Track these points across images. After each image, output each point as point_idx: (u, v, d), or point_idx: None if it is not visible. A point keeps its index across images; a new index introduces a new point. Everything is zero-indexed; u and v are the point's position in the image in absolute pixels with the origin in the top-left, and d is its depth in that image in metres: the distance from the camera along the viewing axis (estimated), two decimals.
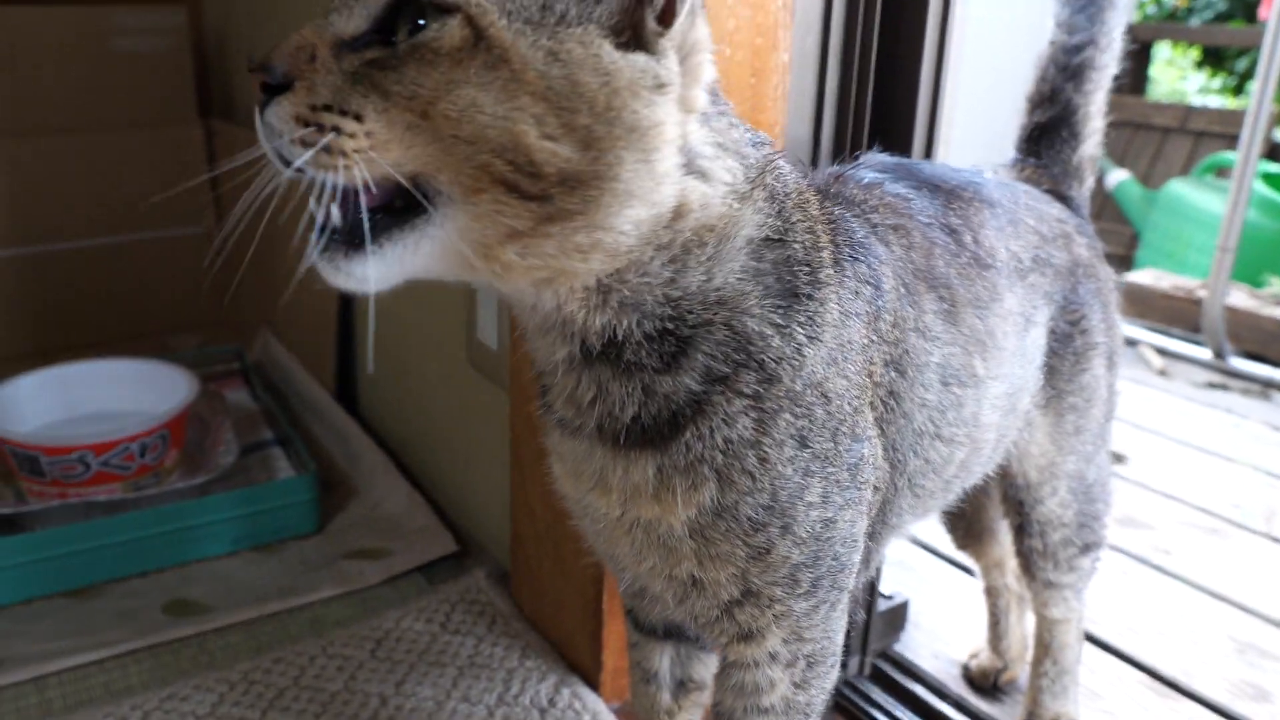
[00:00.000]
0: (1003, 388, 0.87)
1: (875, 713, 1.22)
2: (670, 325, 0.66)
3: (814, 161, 1.07)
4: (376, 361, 1.77)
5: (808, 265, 0.69)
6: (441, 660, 1.20)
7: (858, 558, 0.77)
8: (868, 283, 0.73)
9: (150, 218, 2.05)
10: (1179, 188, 3.42)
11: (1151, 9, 5.52)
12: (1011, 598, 1.29)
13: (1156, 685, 1.38)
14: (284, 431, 1.62)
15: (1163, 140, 3.97)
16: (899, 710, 1.23)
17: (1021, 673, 1.30)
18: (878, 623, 1.32)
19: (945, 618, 1.43)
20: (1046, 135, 1.08)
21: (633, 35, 0.60)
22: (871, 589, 1.27)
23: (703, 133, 0.65)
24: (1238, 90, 5.22)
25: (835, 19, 1.03)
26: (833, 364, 0.69)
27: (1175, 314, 2.89)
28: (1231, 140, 2.85)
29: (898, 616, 1.39)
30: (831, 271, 0.71)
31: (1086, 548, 1.09)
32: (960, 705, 1.26)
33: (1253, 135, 2.46)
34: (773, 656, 0.77)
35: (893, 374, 0.75)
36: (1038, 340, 0.94)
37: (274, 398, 1.77)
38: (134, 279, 2.08)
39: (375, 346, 1.75)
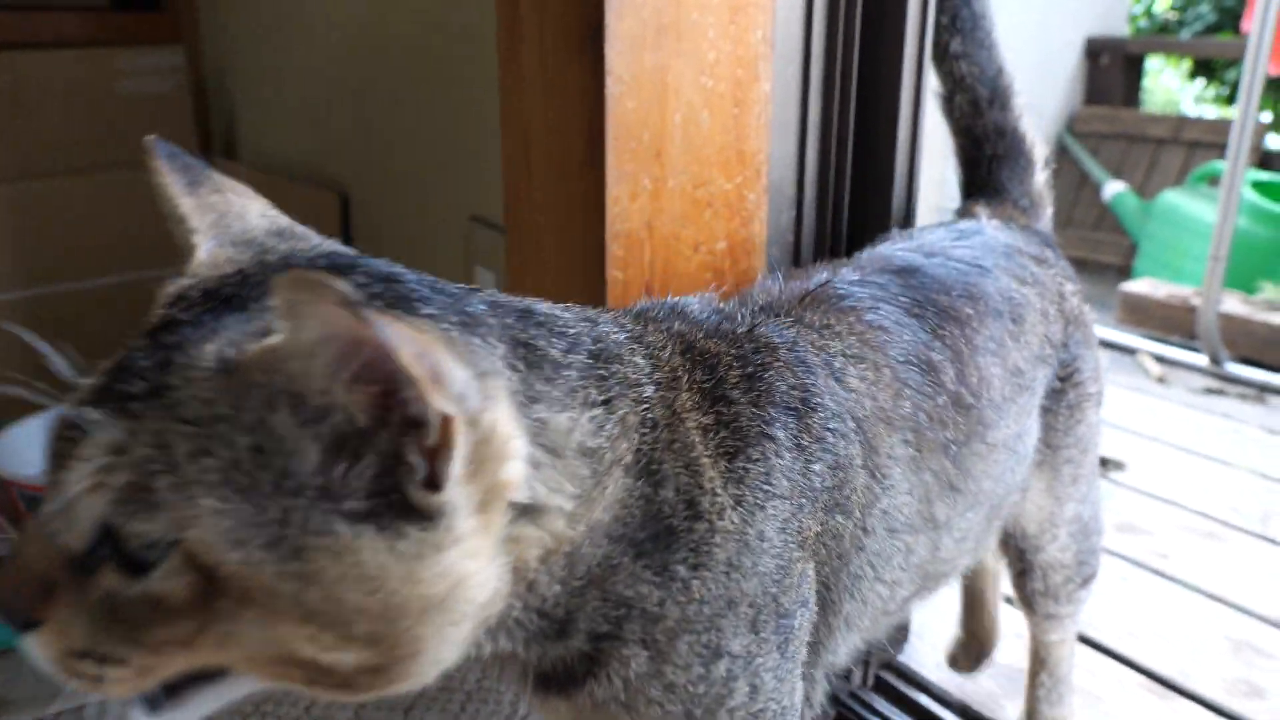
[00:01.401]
0: (980, 514, 0.85)
1: None
2: (543, 619, 0.61)
3: (799, 183, 1.10)
4: None
5: (685, 499, 0.63)
6: (449, 686, 1.23)
7: (796, 714, 0.73)
8: (794, 441, 0.68)
9: (156, 256, 2.08)
10: (1173, 197, 3.45)
11: (1143, 23, 5.58)
12: (988, 576, 1.31)
13: (1155, 686, 1.41)
14: None
15: (1157, 151, 4.00)
16: (902, 719, 1.25)
17: (998, 649, 1.35)
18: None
19: (946, 627, 1.46)
20: (1004, 166, 1.08)
21: (399, 509, 0.50)
22: None
23: (532, 488, 0.56)
24: (1230, 100, 5.26)
25: (815, 49, 1.07)
26: (735, 569, 0.64)
27: (1172, 322, 2.91)
28: (1224, 150, 2.90)
29: (900, 629, 1.41)
30: (723, 485, 0.64)
31: (1085, 581, 1.12)
32: (964, 712, 1.28)
33: (1239, 145, 2.50)
34: None
35: (837, 518, 0.71)
36: (1034, 427, 0.92)
37: None
38: (142, 318, 2.11)
39: None
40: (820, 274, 0.83)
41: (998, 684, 1.34)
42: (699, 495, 0.63)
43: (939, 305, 0.81)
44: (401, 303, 0.54)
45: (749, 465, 0.65)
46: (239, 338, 0.50)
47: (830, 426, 0.70)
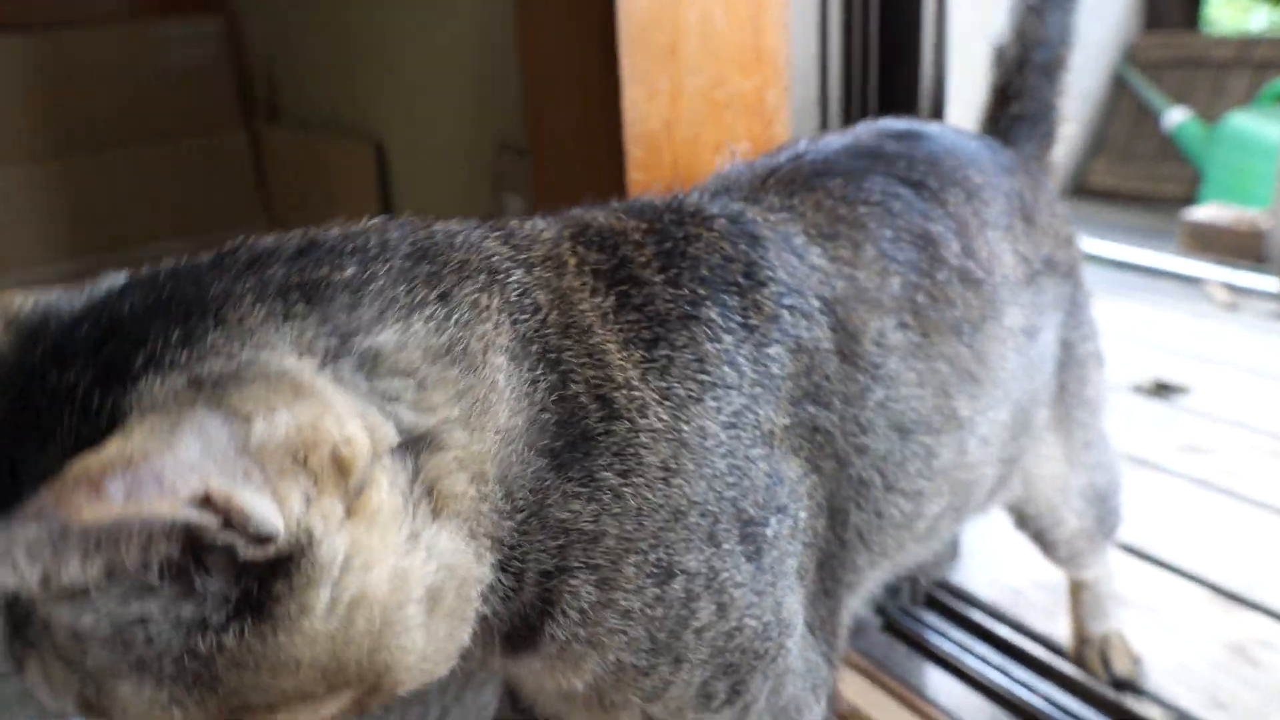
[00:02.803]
0: (1003, 415, 0.78)
1: (931, 635, 1.23)
2: (504, 573, 0.54)
3: (823, 85, 1.08)
4: None
5: (596, 395, 0.55)
6: None
7: (794, 634, 0.65)
8: (740, 321, 0.60)
9: (204, 223, 2.13)
10: (1240, 120, 3.32)
11: None
12: None
13: (1218, 599, 1.37)
14: None
15: (1221, 75, 3.85)
16: (956, 632, 1.24)
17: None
18: None
19: (999, 545, 1.43)
20: (1025, 129, 0.99)
21: (261, 584, 0.44)
22: None
23: (399, 421, 0.49)
24: None
25: None
26: (674, 473, 0.56)
27: (1239, 247, 2.81)
28: None
29: (950, 546, 1.39)
30: (640, 377, 0.56)
31: (1109, 533, 1.10)
32: (1018, 627, 1.26)
33: None
34: None
35: (809, 409, 0.63)
36: (1048, 347, 0.85)
37: None
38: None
39: None
40: (798, 145, 0.75)
41: (1051, 598, 1.31)
42: (612, 390, 0.55)
43: (943, 169, 0.75)
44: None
45: (673, 354, 0.57)
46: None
47: (786, 303, 0.62)
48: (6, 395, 0.46)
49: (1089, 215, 3.66)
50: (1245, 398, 2.03)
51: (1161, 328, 2.47)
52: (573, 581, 0.55)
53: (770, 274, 0.62)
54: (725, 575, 0.59)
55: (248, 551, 0.42)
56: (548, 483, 0.53)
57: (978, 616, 1.26)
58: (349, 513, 0.45)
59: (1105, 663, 1.18)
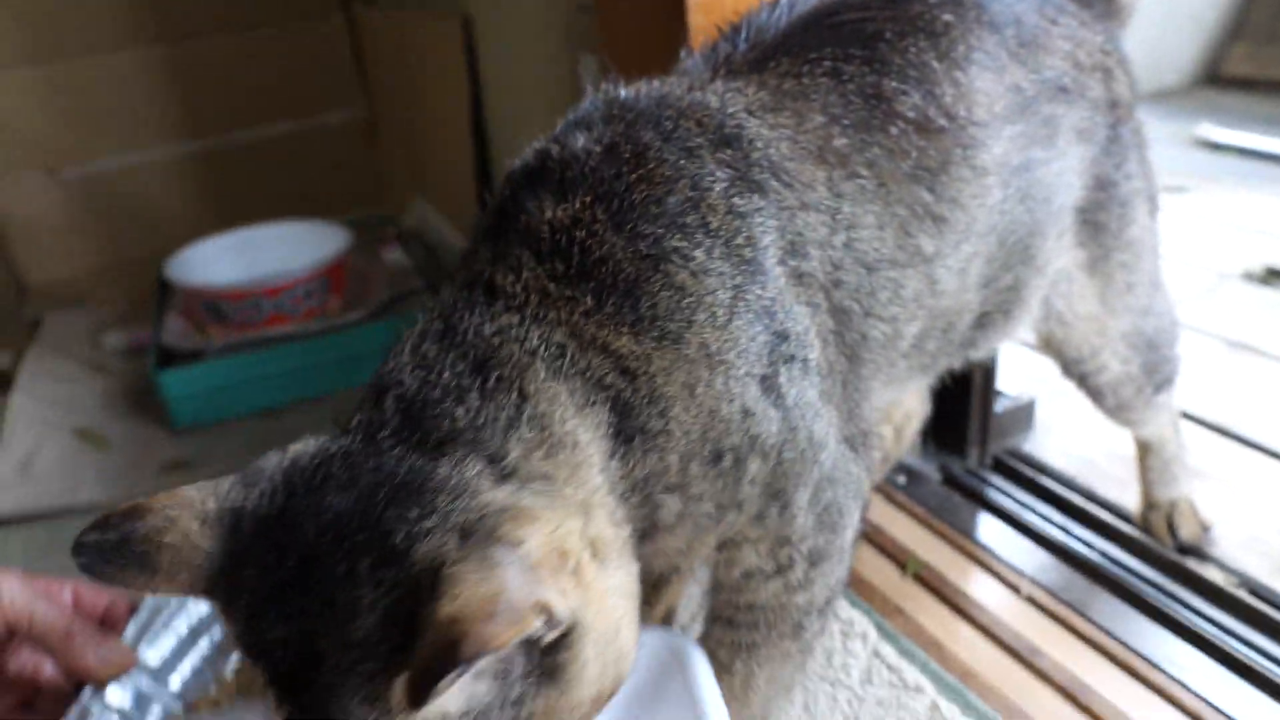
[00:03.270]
0: (981, 247, 0.79)
1: (992, 492, 1.25)
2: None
3: None
4: None
5: (621, 373, 0.62)
6: None
7: (827, 451, 0.72)
8: (702, 228, 0.64)
9: (305, 106, 2.21)
10: None
11: None
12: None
13: None
14: (433, 278, 1.75)
15: None
16: (1019, 493, 1.25)
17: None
18: (998, 420, 1.33)
19: (1074, 419, 1.42)
20: None
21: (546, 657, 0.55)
22: (987, 384, 1.29)
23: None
24: None
25: None
26: (694, 387, 0.64)
27: None
28: None
29: (1023, 415, 1.39)
30: (631, 340, 0.62)
31: (1160, 386, 1.07)
32: (1086, 493, 1.26)
33: None
34: (756, 571, 0.75)
35: (792, 262, 0.69)
36: (1055, 178, 0.83)
37: (427, 254, 1.91)
38: (296, 164, 2.26)
39: None
40: (759, 17, 0.76)
41: (1125, 470, 1.31)
42: (626, 363, 0.62)
43: (906, 17, 0.75)
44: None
45: (655, 301, 0.62)
46: (354, 671, 0.52)
47: (734, 194, 0.66)
48: (266, 586, 0.54)
49: (1224, 105, 3.46)
50: None
51: None
52: (663, 498, 0.65)
53: (712, 178, 0.66)
54: (760, 432, 0.66)
55: (547, 637, 0.52)
56: (630, 461, 0.62)
57: (1045, 481, 1.27)
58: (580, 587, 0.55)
59: (1172, 528, 1.18)
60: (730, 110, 0.69)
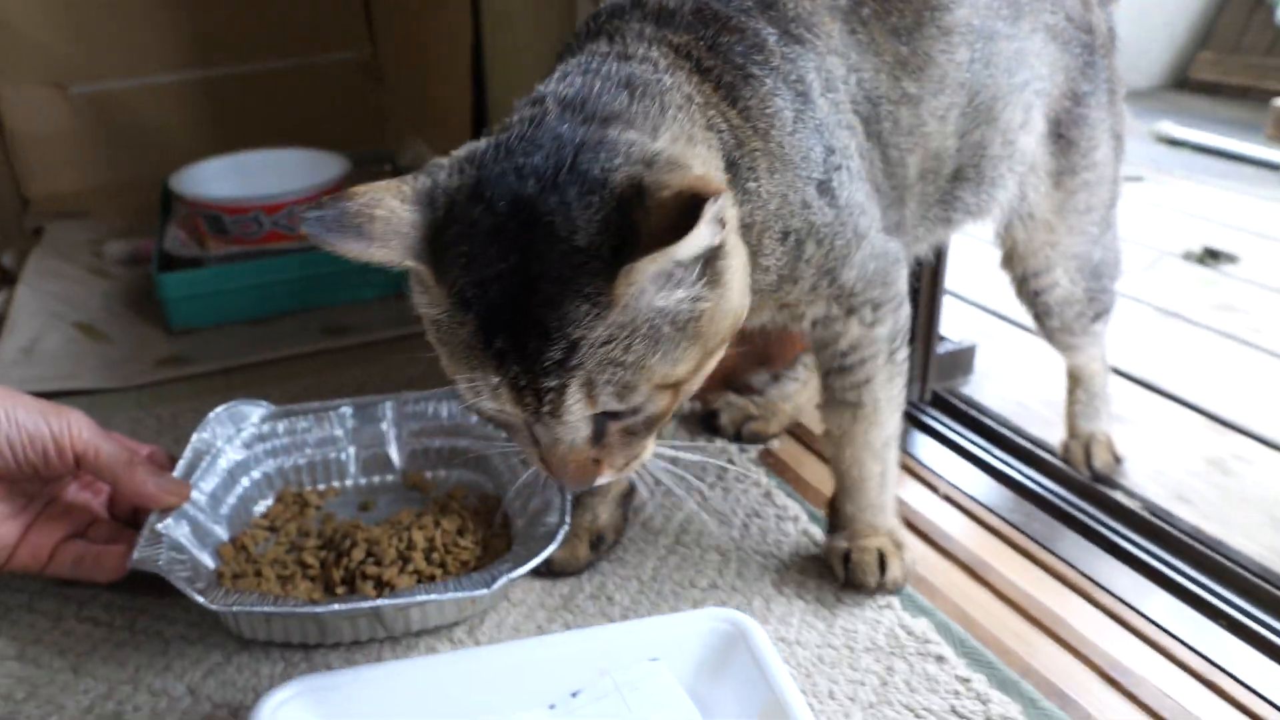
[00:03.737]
0: (955, 98, 0.93)
1: (934, 423, 1.36)
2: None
3: None
4: None
5: (733, 136, 0.78)
6: None
7: (869, 236, 0.88)
8: (764, 69, 0.81)
9: (313, 44, 2.29)
10: None
11: None
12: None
13: (1211, 424, 1.47)
14: None
15: None
16: (958, 425, 1.36)
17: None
18: (940, 360, 1.45)
19: (1010, 368, 1.55)
20: None
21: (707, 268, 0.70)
22: (930, 325, 1.40)
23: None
24: None
25: None
26: (775, 171, 0.80)
27: None
28: None
29: (963, 359, 1.51)
30: (738, 118, 0.79)
31: (1097, 315, 1.21)
32: (1018, 430, 1.38)
33: None
34: (827, 319, 0.92)
35: (829, 95, 0.85)
36: (1018, 55, 0.96)
37: None
38: (299, 100, 2.33)
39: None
40: None
41: (1053, 413, 1.43)
42: (734, 131, 0.78)
43: None
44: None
45: (748, 104, 0.79)
46: (580, 273, 0.64)
47: (783, 45, 0.82)
48: (478, 233, 0.66)
49: (1188, 107, 3.61)
50: None
51: (1227, 207, 2.49)
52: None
53: (766, 33, 0.82)
54: (816, 221, 0.83)
55: (714, 241, 0.66)
56: (735, 194, 0.78)
57: (979, 416, 1.38)
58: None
59: (1088, 457, 1.30)
60: None
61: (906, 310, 0.95)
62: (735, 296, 0.71)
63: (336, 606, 0.88)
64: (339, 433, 1.14)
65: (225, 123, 2.25)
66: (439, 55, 2.06)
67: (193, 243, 1.69)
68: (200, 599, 0.85)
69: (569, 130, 0.69)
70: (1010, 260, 1.15)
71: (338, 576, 0.96)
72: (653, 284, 0.64)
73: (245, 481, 1.08)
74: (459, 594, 0.89)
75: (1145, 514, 1.18)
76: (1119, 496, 1.23)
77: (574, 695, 0.82)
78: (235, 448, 1.08)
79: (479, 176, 0.67)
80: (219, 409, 1.09)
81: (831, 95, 0.84)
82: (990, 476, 1.25)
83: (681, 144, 0.72)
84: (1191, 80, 3.88)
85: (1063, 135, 1.03)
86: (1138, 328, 1.80)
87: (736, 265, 0.71)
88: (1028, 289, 1.17)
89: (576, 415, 0.67)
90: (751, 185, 0.78)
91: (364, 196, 0.67)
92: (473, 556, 1.00)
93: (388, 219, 0.66)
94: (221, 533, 1.01)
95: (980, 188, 1.01)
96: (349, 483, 1.15)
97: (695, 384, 0.72)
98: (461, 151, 0.71)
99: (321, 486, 1.14)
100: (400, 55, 2.32)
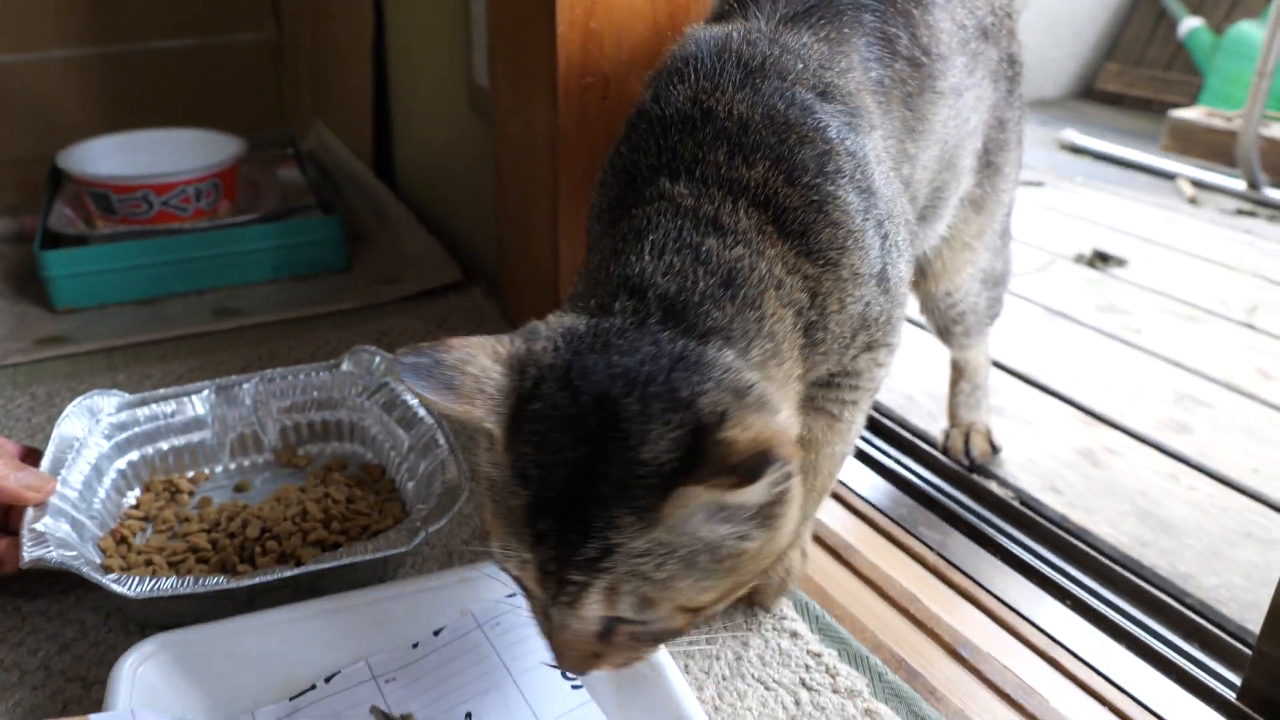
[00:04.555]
0: (935, 151, 0.97)
1: None
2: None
3: None
4: (400, 127, 1.97)
5: (810, 295, 0.78)
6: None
7: (904, 263, 0.89)
8: (842, 179, 0.79)
9: (216, 24, 2.26)
10: (1244, 28, 3.36)
11: None
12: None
13: (1085, 418, 1.53)
14: (326, 197, 1.83)
15: None
16: None
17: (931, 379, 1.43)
18: None
19: (899, 364, 1.58)
20: None
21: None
22: None
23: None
24: None
25: None
26: (855, 299, 0.81)
27: (1216, 149, 2.89)
28: None
29: None
30: (809, 265, 0.78)
31: (993, 319, 1.27)
32: (902, 423, 1.42)
33: None
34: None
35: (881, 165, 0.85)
36: (973, 104, 1.00)
37: (321, 176, 1.98)
38: (200, 80, 2.29)
39: (400, 112, 1.95)
40: None
41: (936, 406, 1.47)
42: (809, 282, 0.77)
43: None
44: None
45: (819, 237, 0.78)
46: (636, 484, 0.63)
47: (845, 137, 0.80)
48: (558, 417, 0.66)
49: (1092, 117, 3.73)
50: (1174, 274, 2.16)
51: (1121, 213, 2.58)
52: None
53: (830, 129, 0.80)
54: (870, 314, 0.83)
55: (782, 485, 0.66)
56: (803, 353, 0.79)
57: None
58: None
59: (967, 446, 1.34)
60: (814, 66, 0.83)
61: (904, 293, 0.95)
62: (783, 538, 0.71)
63: (260, 579, 0.87)
64: (203, 416, 1.13)
65: (123, 102, 2.20)
66: (342, 39, 2.05)
67: (80, 221, 1.65)
68: (118, 588, 0.83)
69: (667, 340, 0.69)
70: (924, 280, 1.17)
71: (236, 557, 0.96)
72: (703, 512, 0.64)
73: (112, 474, 1.06)
74: (383, 553, 0.89)
75: (1014, 503, 1.23)
76: (992, 486, 1.27)
77: (435, 634, 0.84)
78: (97, 439, 1.05)
79: (571, 362, 0.68)
80: (75, 402, 1.06)
81: (882, 168, 0.84)
82: (866, 465, 1.29)
83: (771, 367, 0.73)
84: (1097, 91, 4.01)
85: (990, 163, 1.07)
86: (1026, 326, 1.86)
87: (792, 512, 0.70)
88: (938, 305, 1.21)
89: (592, 613, 0.67)
90: (819, 334, 0.79)
91: (460, 351, 0.68)
92: (371, 521, 1.01)
93: (478, 378, 0.67)
94: (96, 528, 0.99)
95: (931, 225, 1.05)
96: (218, 467, 1.14)
97: (716, 610, 0.72)
98: (560, 325, 0.72)
99: (191, 473, 1.12)
100: (303, 38, 2.30)
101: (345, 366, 1.17)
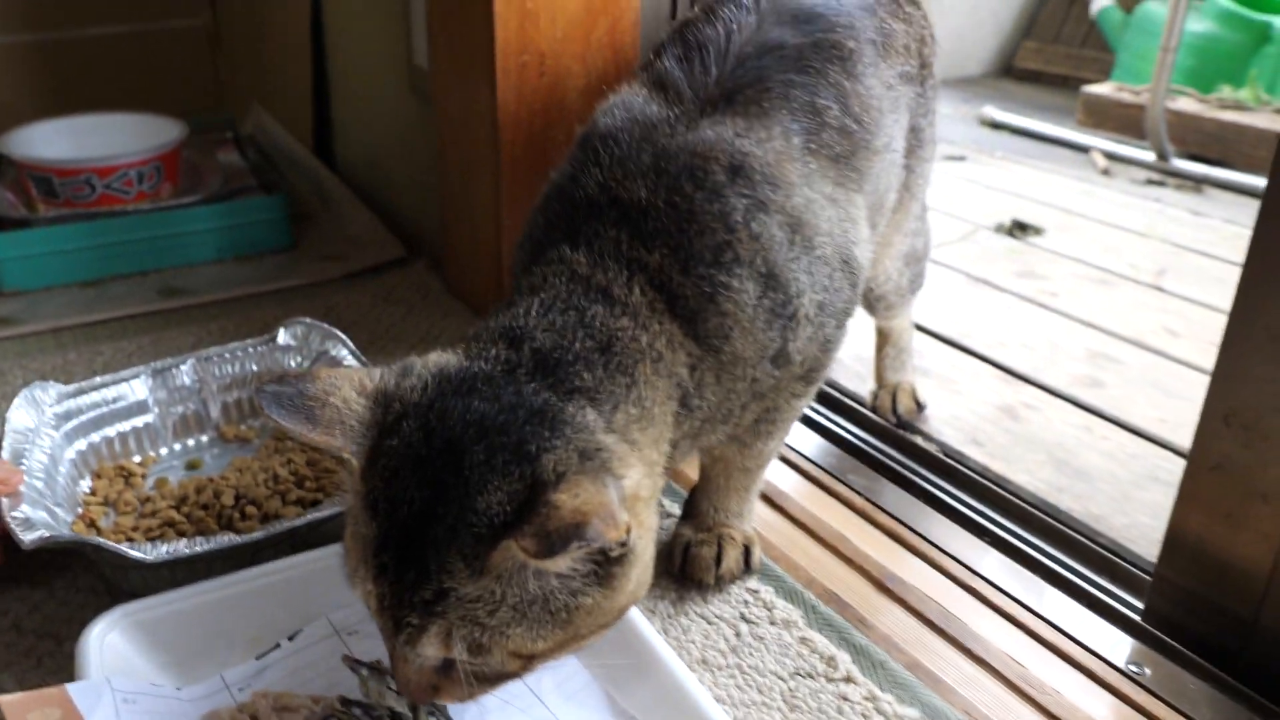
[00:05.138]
0: (870, 199, 0.99)
1: None
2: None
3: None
4: (339, 108, 1.99)
5: (692, 380, 0.81)
6: (380, 318, 1.47)
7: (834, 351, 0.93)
8: (733, 256, 0.81)
9: (151, 10, 2.25)
10: (1152, 7, 3.49)
11: None
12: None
13: (1006, 377, 1.62)
14: (267, 179, 1.84)
15: None
16: None
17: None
18: None
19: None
20: None
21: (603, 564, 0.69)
22: None
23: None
24: None
25: None
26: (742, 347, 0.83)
27: (1126, 122, 3.02)
28: None
29: None
30: (699, 352, 0.81)
31: (915, 290, 1.34)
32: (833, 385, 1.49)
33: None
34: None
35: (796, 237, 0.87)
36: (899, 148, 1.05)
37: (262, 158, 2.00)
38: (137, 66, 2.28)
39: (339, 94, 1.98)
40: (719, 42, 0.92)
41: (864, 368, 1.54)
42: (690, 360, 0.80)
43: (823, 48, 0.93)
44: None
45: (705, 324, 0.81)
46: (467, 531, 0.65)
47: (750, 219, 0.82)
48: (410, 455, 0.68)
49: (1012, 93, 3.85)
50: (1088, 241, 2.27)
51: (1038, 185, 2.69)
52: (684, 442, 0.85)
53: (734, 211, 0.82)
54: (764, 389, 0.87)
55: (616, 552, 0.68)
56: (680, 427, 0.82)
57: None
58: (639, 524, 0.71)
59: (894, 404, 1.42)
60: (731, 143, 0.85)
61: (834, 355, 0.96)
62: (624, 598, 0.71)
63: (261, 534, 0.91)
64: (144, 400, 1.15)
65: (60, 88, 2.19)
66: (279, 23, 2.06)
67: (21, 205, 1.65)
68: (136, 553, 0.86)
69: (531, 391, 0.71)
70: None
71: (216, 525, 0.99)
72: (531, 565, 0.65)
73: (65, 463, 1.07)
74: None
75: (939, 455, 1.30)
76: (917, 440, 1.35)
77: None
78: (48, 429, 1.07)
79: (432, 402, 0.70)
80: (20, 394, 1.07)
81: (795, 235, 0.85)
82: (807, 427, 1.36)
83: (634, 431, 0.74)
84: (1016, 69, 4.13)
85: (907, 165, 1.11)
86: (948, 292, 1.94)
87: (635, 572, 0.71)
88: (865, 289, 1.25)
89: (428, 653, 0.68)
90: (696, 403, 0.81)
91: (325, 381, 0.70)
92: (341, 478, 1.04)
93: (339, 409, 0.69)
94: (65, 514, 1.01)
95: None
96: (163, 449, 1.16)
97: (557, 659, 0.73)
98: (435, 364, 0.74)
99: (138, 457, 1.14)
100: (240, 23, 2.30)
101: (281, 339, 1.20)
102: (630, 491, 0.69)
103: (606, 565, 0.68)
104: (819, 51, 0.93)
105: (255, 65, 2.27)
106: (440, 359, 0.74)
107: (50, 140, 1.73)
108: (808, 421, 1.35)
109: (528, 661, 0.70)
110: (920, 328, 1.74)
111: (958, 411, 1.49)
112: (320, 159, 2.03)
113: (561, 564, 0.65)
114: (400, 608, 0.67)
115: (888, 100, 0.99)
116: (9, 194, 1.67)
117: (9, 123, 1.74)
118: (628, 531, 0.66)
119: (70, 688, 0.73)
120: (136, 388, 1.14)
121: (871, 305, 1.31)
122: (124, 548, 0.87)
